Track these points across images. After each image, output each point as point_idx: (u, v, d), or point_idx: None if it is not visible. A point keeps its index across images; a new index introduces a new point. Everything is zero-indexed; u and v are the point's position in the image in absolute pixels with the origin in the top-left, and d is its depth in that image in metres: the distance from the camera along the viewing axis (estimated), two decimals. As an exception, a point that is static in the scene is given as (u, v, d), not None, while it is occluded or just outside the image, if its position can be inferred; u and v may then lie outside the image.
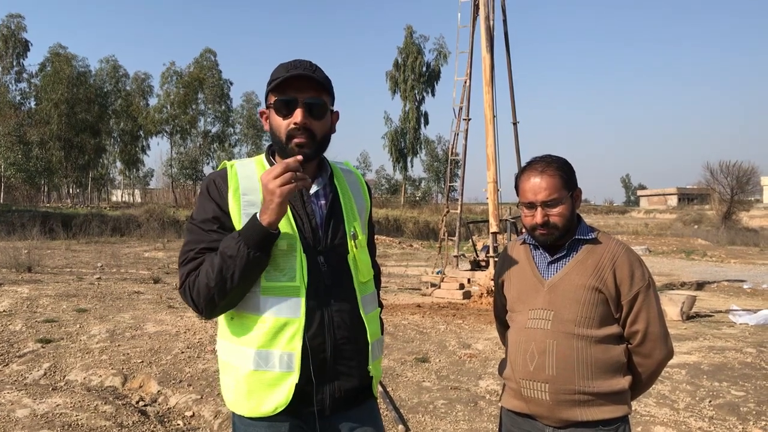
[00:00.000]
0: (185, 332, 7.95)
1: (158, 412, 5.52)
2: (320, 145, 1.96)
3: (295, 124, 1.89)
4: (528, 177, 2.27)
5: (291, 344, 1.86)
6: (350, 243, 2.00)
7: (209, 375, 6.31)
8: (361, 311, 1.98)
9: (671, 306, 10.24)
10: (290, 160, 1.77)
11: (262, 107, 2.03)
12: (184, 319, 8.62)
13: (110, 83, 54.95)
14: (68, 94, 46.62)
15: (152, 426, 5.12)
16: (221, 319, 1.97)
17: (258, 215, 1.79)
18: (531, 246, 2.38)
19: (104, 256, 20.12)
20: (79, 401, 5.42)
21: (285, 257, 1.88)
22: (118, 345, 7.35)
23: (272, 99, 1.92)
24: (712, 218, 48.26)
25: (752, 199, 52.84)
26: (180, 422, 5.32)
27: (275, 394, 1.86)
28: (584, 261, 2.24)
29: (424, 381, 6.46)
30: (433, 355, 7.50)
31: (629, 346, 2.26)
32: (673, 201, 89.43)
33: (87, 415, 5.11)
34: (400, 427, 5.12)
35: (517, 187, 2.34)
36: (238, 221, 1.88)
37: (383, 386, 6.10)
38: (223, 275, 1.78)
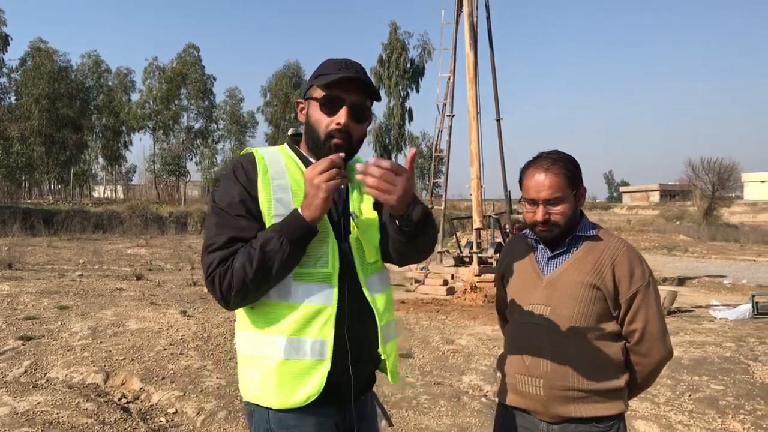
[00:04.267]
0: (168, 329, 7.90)
1: (141, 410, 5.49)
2: (355, 149, 1.95)
3: (338, 124, 1.88)
4: (532, 173, 2.24)
5: (323, 331, 1.85)
6: (352, 223, 1.98)
7: (192, 372, 6.28)
8: (366, 292, 1.95)
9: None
10: (334, 156, 1.76)
11: (298, 98, 2.03)
12: (166, 316, 8.57)
13: (92, 78, 54.34)
14: (49, 89, 46.04)
15: (134, 423, 5.09)
16: (241, 311, 1.92)
17: (300, 210, 1.78)
18: (533, 241, 2.36)
19: (86, 253, 19.95)
20: (61, 399, 5.38)
21: (319, 244, 1.87)
22: (100, 342, 7.29)
23: (318, 93, 1.90)
24: (694, 214, 48.71)
25: (733, 195, 53.39)
26: (163, 419, 5.30)
27: (307, 383, 1.84)
28: (584, 258, 2.23)
29: (407, 376, 6.48)
30: (417, 351, 7.53)
31: (627, 344, 2.25)
32: (655, 197, 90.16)
33: (68, 413, 5.07)
34: (384, 422, 5.12)
35: (520, 182, 2.30)
36: (268, 207, 1.85)
37: (367, 382, 6.10)
38: (263, 270, 1.75)
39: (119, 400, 5.70)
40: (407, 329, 8.71)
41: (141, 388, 5.93)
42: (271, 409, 1.86)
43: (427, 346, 7.79)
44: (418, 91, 59.97)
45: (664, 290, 10.58)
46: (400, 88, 58.56)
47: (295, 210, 1.79)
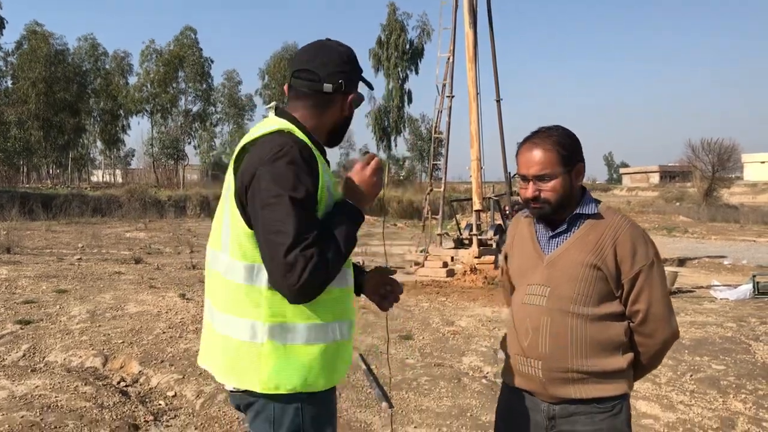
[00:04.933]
0: (167, 312, 7.87)
1: (139, 393, 5.47)
2: None
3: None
4: (524, 149, 2.21)
5: (353, 311, 2.02)
6: None
7: (191, 354, 6.25)
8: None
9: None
10: (376, 159, 2.01)
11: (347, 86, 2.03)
12: (165, 299, 8.54)
13: (89, 62, 53.93)
14: (46, 73, 45.68)
15: (133, 406, 5.07)
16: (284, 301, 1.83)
17: (356, 204, 1.92)
18: (534, 220, 2.31)
19: (85, 237, 19.89)
20: (59, 382, 5.35)
21: None
22: (99, 326, 7.26)
23: (357, 93, 2.06)
24: (694, 195, 48.68)
25: (733, 176, 53.34)
26: (162, 402, 5.28)
27: (347, 359, 2.00)
28: (585, 237, 2.17)
29: (407, 358, 6.45)
30: (417, 333, 7.50)
31: (631, 324, 2.20)
32: (655, 179, 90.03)
33: (67, 397, 5.05)
34: (384, 404, 5.11)
35: (516, 157, 2.27)
36: (322, 202, 1.86)
37: (366, 363, 6.08)
38: (341, 264, 1.82)
39: (118, 383, 5.68)
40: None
41: (140, 372, 5.91)
42: (315, 392, 1.88)
43: (427, 328, 7.77)
44: (417, 72, 59.61)
45: (664, 271, 10.51)
46: (399, 69, 58.12)
47: (353, 204, 1.91)
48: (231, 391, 1.97)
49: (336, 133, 2.06)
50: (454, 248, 13.96)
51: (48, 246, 16.92)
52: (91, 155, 65.11)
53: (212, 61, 56.90)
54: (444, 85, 14.23)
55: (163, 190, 40.11)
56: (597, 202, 2.24)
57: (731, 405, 5.23)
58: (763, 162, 78.99)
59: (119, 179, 64.17)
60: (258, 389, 1.83)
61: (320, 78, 1.95)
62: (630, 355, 2.21)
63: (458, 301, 9.74)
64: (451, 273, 12.69)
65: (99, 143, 60.90)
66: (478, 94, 12.90)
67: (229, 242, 1.87)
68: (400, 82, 58.64)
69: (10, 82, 49.19)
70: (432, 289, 10.94)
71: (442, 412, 5.03)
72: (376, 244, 21.31)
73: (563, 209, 2.18)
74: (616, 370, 2.16)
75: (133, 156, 70.87)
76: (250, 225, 1.81)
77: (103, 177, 68.12)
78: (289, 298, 1.76)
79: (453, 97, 14.26)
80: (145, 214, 29.57)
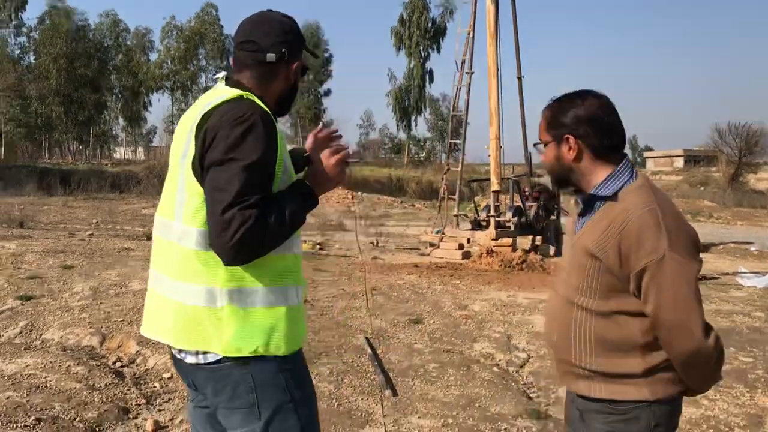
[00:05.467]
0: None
1: (134, 374, 5.25)
2: None
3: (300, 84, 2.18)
4: None
5: (302, 277, 2.02)
6: None
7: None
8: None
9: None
10: (344, 152, 2.03)
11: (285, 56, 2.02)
12: (171, 277, 8.33)
13: (110, 38, 53.95)
14: (67, 49, 45.75)
15: (126, 388, 4.85)
16: (249, 268, 1.84)
17: (314, 188, 1.95)
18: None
19: (101, 213, 19.84)
20: (51, 362, 5.15)
21: None
22: (100, 303, 7.07)
23: (300, 62, 2.06)
24: (719, 180, 47.85)
25: (760, 161, 52.24)
26: (156, 384, 5.05)
27: (301, 325, 1.99)
28: (598, 222, 1.92)
29: (415, 343, 6.18)
30: (427, 316, 7.22)
31: None
32: (679, 163, 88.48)
33: (57, 377, 4.84)
34: (387, 391, 4.84)
35: None
36: (279, 171, 1.87)
37: (372, 348, 5.82)
38: (285, 236, 1.84)
39: (113, 363, 5.47)
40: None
41: (137, 352, 5.69)
42: (283, 356, 1.88)
43: (438, 312, 7.48)
44: (439, 51, 58.75)
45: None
46: (421, 48, 57.34)
47: (310, 186, 1.94)
48: (198, 365, 1.89)
49: (283, 103, 2.06)
50: (471, 230, 13.63)
51: (62, 221, 16.87)
52: (114, 132, 65.38)
53: (233, 39, 56.49)
54: (463, 61, 13.79)
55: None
56: (628, 180, 1.90)
57: (759, 401, 4.88)
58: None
59: (141, 156, 64.37)
60: (219, 351, 1.83)
61: (263, 48, 1.96)
62: (655, 359, 1.89)
63: (473, 284, 9.43)
64: (466, 255, 12.37)
65: (121, 120, 61.07)
66: (498, 70, 12.49)
67: (183, 209, 1.86)
68: (421, 61, 57.92)
69: (32, 58, 49.38)
70: (446, 271, 10.63)
71: (448, 402, 4.75)
72: (392, 225, 21.05)
73: (564, 184, 2.02)
74: (629, 373, 1.88)
75: (155, 133, 71.12)
76: None
77: (125, 154, 68.42)
78: (222, 258, 1.75)
79: (472, 73, 13.85)
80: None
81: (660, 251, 1.77)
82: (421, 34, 56.76)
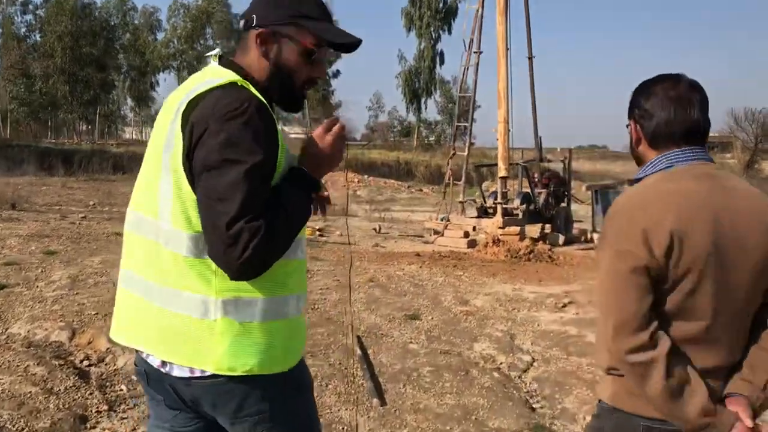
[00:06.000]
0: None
1: (102, 374, 4.81)
2: None
3: (318, 77, 1.84)
4: None
5: (306, 283, 1.88)
6: None
7: (168, 331, 5.59)
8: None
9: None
10: (344, 123, 1.77)
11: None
12: (156, 265, 7.89)
13: (117, 16, 53.38)
14: (72, 27, 45.19)
15: (88, 392, 4.40)
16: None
17: (312, 173, 1.72)
18: None
19: (99, 194, 19.46)
20: (9, 361, 4.72)
21: None
22: (76, 293, 6.63)
23: (308, 40, 1.73)
24: (734, 167, 47.04)
25: (775, 147, 51.31)
26: (123, 387, 4.60)
27: (301, 336, 1.83)
28: None
29: (411, 342, 5.71)
30: (426, 312, 6.75)
31: None
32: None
33: (12, 379, 4.40)
34: (375, 401, 4.37)
35: None
36: (280, 167, 1.67)
37: (363, 349, 5.35)
38: (292, 238, 1.67)
39: (81, 362, 5.03)
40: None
41: (108, 349, 5.24)
42: (277, 373, 1.71)
43: (437, 307, 7.00)
44: (450, 32, 57.64)
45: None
46: (432, 29, 56.28)
47: (308, 173, 1.71)
48: (191, 378, 1.69)
49: (280, 86, 1.76)
50: (477, 217, 13.10)
51: (58, 203, 16.49)
52: (122, 112, 65.04)
53: (240, 18, 55.80)
54: (471, 40, 13.21)
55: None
56: (660, 170, 1.74)
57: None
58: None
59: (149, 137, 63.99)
60: (211, 368, 1.64)
61: (255, 20, 1.75)
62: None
63: (476, 275, 8.94)
64: (472, 244, 11.86)
65: (129, 100, 60.69)
66: (508, 50, 11.91)
67: (170, 209, 1.63)
68: (432, 42, 56.96)
69: (38, 36, 48.92)
70: (449, 261, 10.13)
71: (442, 413, 4.28)
72: (397, 210, 20.55)
73: (638, 164, 1.87)
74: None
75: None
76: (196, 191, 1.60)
77: (133, 134, 68.16)
78: (229, 275, 1.56)
79: (481, 53, 13.26)
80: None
81: (599, 241, 1.79)
82: (432, 14, 55.72)
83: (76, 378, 4.60)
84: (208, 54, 1.81)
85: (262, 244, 1.51)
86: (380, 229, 13.60)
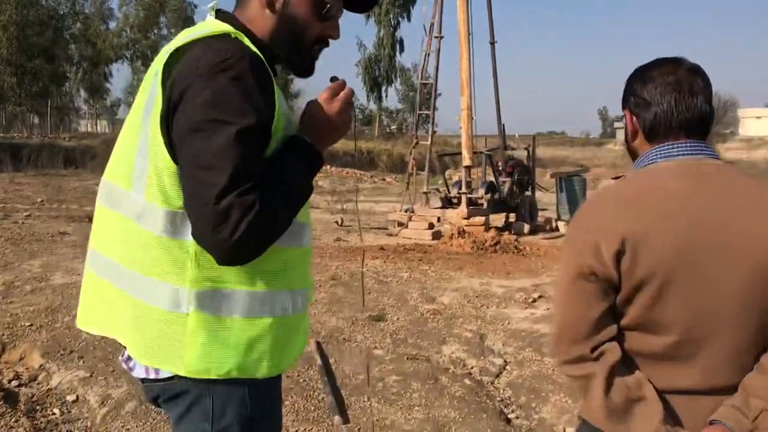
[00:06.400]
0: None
1: (32, 396, 4.33)
2: None
3: (331, 37, 1.60)
4: None
5: (310, 277, 1.67)
6: None
7: (109, 343, 5.10)
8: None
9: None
10: (349, 90, 1.56)
11: None
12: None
13: (66, 5, 51.48)
14: (18, 16, 43.42)
15: (13, 419, 3.93)
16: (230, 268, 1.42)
17: (315, 143, 1.49)
18: None
19: (49, 190, 18.57)
20: None
21: None
22: (10, 302, 6.09)
23: None
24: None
25: (727, 131, 52.55)
26: (56, 411, 4.13)
27: (297, 341, 1.58)
28: None
29: (376, 347, 5.34)
30: (391, 312, 6.38)
31: None
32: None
33: (-77, 408, 3.90)
34: (336, 418, 3.98)
35: None
36: (276, 131, 1.43)
37: (324, 357, 4.95)
38: (293, 215, 1.42)
39: (9, 381, 4.53)
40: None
41: (41, 366, 4.77)
42: (257, 379, 1.47)
43: (403, 306, 6.64)
44: (409, 20, 57.11)
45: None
46: (391, 16, 55.71)
47: (312, 144, 1.47)
48: (146, 380, 1.50)
49: (287, 43, 1.54)
50: (442, 208, 12.77)
51: (4, 200, 15.64)
52: (76, 104, 63.06)
53: (195, 6, 54.41)
54: (432, 25, 12.81)
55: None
56: (646, 164, 1.55)
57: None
58: (759, 117, 77.74)
59: (106, 129, 62.41)
60: (181, 372, 1.42)
61: None
62: None
63: (443, 270, 8.60)
64: (437, 235, 11.53)
65: (82, 92, 58.88)
66: (469, 35, 11.55)
67: (145, 179, 1.41)
68: (391, 29, 56.37)
69: (-17, 26, 46.86)
70: (414, 254, 9.78)
71: (410, 430, 3.92)
72: (360, 200, 20.11)
73: (633, 160, 1.68)
74: None
75: (119, 105, 68.92)
76: (176, 159, 1.36)
77: (88, 127, 66.23)
78: (217, 258, 1.33)
79: (442, 38, 12.86)
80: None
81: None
82: (391, 1, 55.20)
83: (2, 402, 4.11)
84: (209, 6, 1.54)
85: (258, 222, 1.28)
86: (342, 222, 13.16)
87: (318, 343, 5.22)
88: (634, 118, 1.58)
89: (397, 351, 5.29)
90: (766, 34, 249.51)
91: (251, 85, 1.34)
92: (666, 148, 1.52)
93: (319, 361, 4.83)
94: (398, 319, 6.17)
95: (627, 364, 1.45)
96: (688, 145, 1.51)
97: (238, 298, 1.43)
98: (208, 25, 1.46)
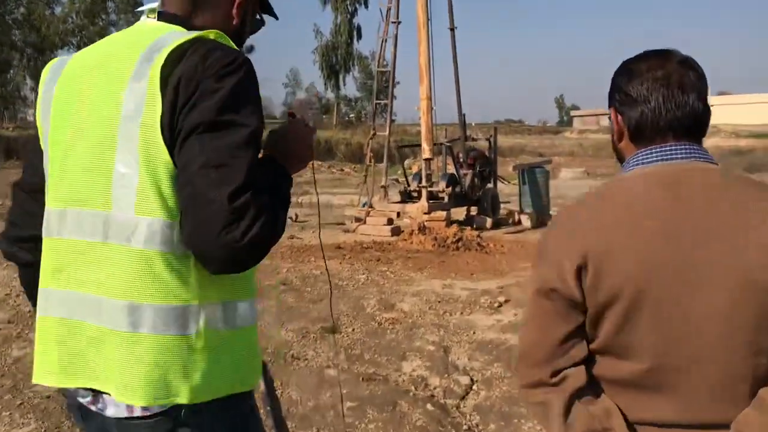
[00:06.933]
0: (16, 297, 6.01)
1: None
2: None
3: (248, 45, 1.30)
4: None
5: None
6: None
7: (23, 368, 4.47)
8: None
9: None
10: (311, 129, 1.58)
11: None
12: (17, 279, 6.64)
13: (8, -12, 49.38)
14: (-46, 0, 41.48)
15: None
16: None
17: (287, 167, 1.45)
18: None
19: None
20: None
21: None
22: None
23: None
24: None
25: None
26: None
27: (259, 348, 1.51)
28: None
29: (328, 366, 4.81)
30: (346, 322, 5.85)
31: None
32: (605, 121, 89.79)
33: None
34: (279, 459, 3.43)
35: None
36: None
37: (268, 381, 4.37)
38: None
39: None
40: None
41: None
42: (244, 393, 1.41)
43: (359, 314, 6.11)
44: (366, 6, 56.34)
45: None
46: (347, 3, 54.98)
47: (281, 165, 1.44)
48: (128, 418, 1.31)
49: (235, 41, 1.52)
50: (401, 202, 12.26)
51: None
52: (23, 93, 60.78)
53: (146, -9, 52.88)
54: (389, 9, 12.23)
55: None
56: (628, 169, 1.39)
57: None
58: (711, 105, 79.59)
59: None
60: (185, 400, 1.28)
61: None
62: None
63: (402, 270, 8.10)
64: (396, 231, 11.02)
65: (29, 80, 56.73)
66: (428, 20, 11.03)
67: (134, 193, 1.27)
68: (348, 16, 55.58)
69: None
70: (373, 253, 9.24)
71: (366, 473, 3.39)
72: (319, 192, 19.45)
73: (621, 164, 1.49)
74: None
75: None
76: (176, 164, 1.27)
77: (34, 116, 63.94)
78: (215, 264, 1.25)
79: (399, 23, 12.29)
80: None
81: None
82: (348, -12, 54.40)
83: None
84: (141, 9, 1.48)
85: (270, 224, 1.24)
86: (297, 217, 12.53)
87: (264, 364, 4.64)
88: (620, 116, 1.45)
89: (352, 370, 4.76)
90: (717, 24, 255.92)
91: (255, 88, 1.34)
92: (646, 152, 1.38)
93: (261, 386, 4.26)
94: (354, 330, 5.65)
95: (595, 391, 1.33)
96: (674, 148, 1.36)
97: (237, 308, 1.38)
98: (171, 28, 1.39)
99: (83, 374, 1.35)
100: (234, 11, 1.50)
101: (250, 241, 1.19)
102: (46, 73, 1.47)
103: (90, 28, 50.23)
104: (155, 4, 1.44)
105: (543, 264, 1.36)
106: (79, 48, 51.35)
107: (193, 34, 1.33)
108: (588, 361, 1.33)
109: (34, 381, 1.43)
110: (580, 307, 1.30)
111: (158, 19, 1.43)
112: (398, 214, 11.81)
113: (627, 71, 1.43)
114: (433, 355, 5.10)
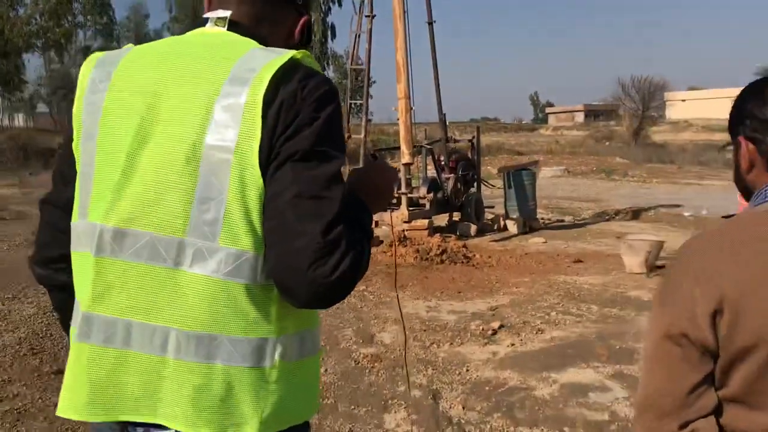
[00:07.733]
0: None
1: None
2: None
3: None
4: None
5: None
6: None
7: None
8: None
9: (632, 256, 8.11)
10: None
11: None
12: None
13: (-32, -11, 47.78)
14: None
15: None
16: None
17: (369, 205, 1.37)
18: None
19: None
20: None
21: None
22: None
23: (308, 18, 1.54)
24: (623, 134, 48.77)
25: (655, 114, 53.72)
26: None
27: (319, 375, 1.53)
28: None
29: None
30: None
31: None
32: (580, 117, 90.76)
33: None
34: None
35: None
36: None
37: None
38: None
39: None
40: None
41: None
42: (307, 422, 1.38)
43: (334, 350, 5.29)
44: (340, 5, 55.43)
45: (645, 242, 8.34)
46: (321, 1, 54.27)
47: (366, 204, 1.36)
48: None
49: None
50: (379, 209, 11.44)
51: None
52: (-12, 98, 59.03)
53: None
54: (362, 2, 11.42)
55: (59, 136, 35.85)
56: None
57: None
58: (683, 100, 79.94)
59: (22, 123, 58.78)
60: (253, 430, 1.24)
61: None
62: None
63: (382, 290, 7.29)
64: (375, 242, 10.20)
65: (-6, 84, 55.05)
66: (405, 13, 10.24)
67: (219, 221, 1.20)
68: (321, 15, 54.69)
69: None
70: (349, 269, 8.41)
71: None
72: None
73: (744, 195, 1.38)
74: None
75: (39, 99, 65.09)
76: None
77: (2, 121, 62.26)
78: (301, 298, 1.18)
79: (374, 16, 11.48)
80: (27, 165, 25.79)
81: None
82: (321, -15, 53.56)
83: None
84: (215, 15, 1.37)
85: (358, 259, 1.18)
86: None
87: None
88: (751, 145, 1.30)
89: (325, 426, 3.95)
90: (689, 17, 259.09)
91: (342, 118, 1.37)
92: None
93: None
94: (327, 371, 4.84)
95: None
96: None
97: (311, 338, 1.36)
98: (254, 45, 1.32)
99: (130, 407, 1.25)
100: (297, 30, 1.49)
101: (339, 277, 1.14)
102: (89, 69, 1.34)
103: (55, 30, 48.75)
104: (227, 13, 1.37)
105: (671, 305, 1.23)
106: (44, 50, 50.01)
107: (285, 55, 1.26)
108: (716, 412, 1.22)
109: (62, 415, 1.31)
110: (711, 354, 1.20)
111: (228, 28, 1.37)
112: (376, 223, 11.00)
113: (759, 96, 1.30)
114: (420, 404, 4.30)
